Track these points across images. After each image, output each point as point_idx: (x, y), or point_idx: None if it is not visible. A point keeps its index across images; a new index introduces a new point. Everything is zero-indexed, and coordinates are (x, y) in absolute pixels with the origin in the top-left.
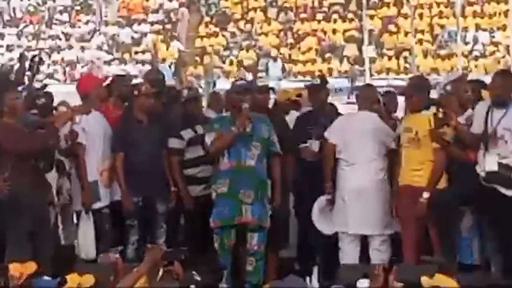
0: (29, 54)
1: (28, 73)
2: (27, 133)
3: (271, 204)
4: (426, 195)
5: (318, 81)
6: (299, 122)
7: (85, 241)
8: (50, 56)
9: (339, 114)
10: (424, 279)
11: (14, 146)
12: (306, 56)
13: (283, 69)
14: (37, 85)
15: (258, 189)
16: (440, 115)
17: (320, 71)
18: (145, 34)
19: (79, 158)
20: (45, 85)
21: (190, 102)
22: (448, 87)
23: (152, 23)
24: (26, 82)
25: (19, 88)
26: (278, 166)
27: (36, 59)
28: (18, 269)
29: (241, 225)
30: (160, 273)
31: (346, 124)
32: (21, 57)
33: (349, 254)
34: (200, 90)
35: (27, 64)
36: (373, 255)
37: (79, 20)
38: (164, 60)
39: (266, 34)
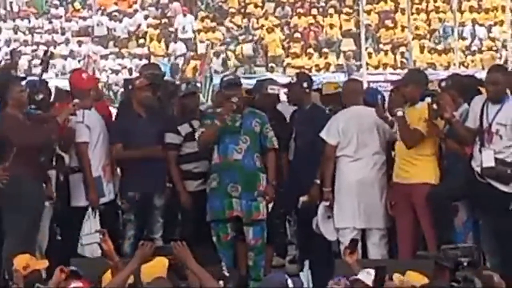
0: (27, 49)
1: (40, 67)
2: (31, 126)
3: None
4: (400, 113)
5: (295, 78)
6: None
7: (92, 240)
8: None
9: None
10: (396, 276)
11: (18, 138)
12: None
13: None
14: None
15: (246, 182)
16: (435, 107)
17: (317, 65)
18: (139, 27)
19: (83, 156)
20: (46, 82)
21: (187, 97)
22: (443, 84)
23: (146, 17)
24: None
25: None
26: (272, 161)
27: (48, 53)
28: (24, 261)
29: (237, 219)
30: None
31: (346, 121)
32: (12, 53)
33: None
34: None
35: (19, 59)
36: (372, 250)
37: (74, 16)
38: (162, 56)
39: (262, 29)
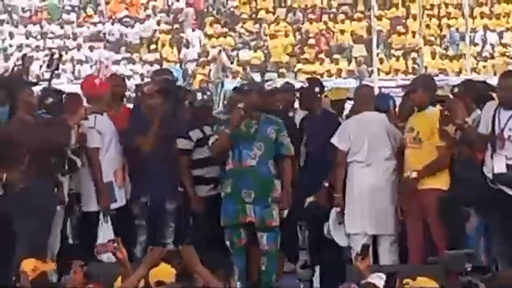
0: (39, 54)
1: (47, 70)
2: (42, 129)
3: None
4: (414, 174)
5: (306, 84)
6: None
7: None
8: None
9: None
10: (407, 282)
11: (29, 141)
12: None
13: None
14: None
15: (259, 189)
16: (446, 113)
17: (329, 71)
18: (154, 33)
19: (93, 161)
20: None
21: (201, 109)
22: (456, 90)
23: (158, 22)
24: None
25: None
26: (287, 168)
27: (56, 56)
28: (31, 264)
29: (250, 224)
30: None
31: (357, 127)
32: (23, 58)
33: None
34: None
35: (31, 64)
36: (383, 256)
37: (86, 21)
38: (174, 62)
39: (274, 35)
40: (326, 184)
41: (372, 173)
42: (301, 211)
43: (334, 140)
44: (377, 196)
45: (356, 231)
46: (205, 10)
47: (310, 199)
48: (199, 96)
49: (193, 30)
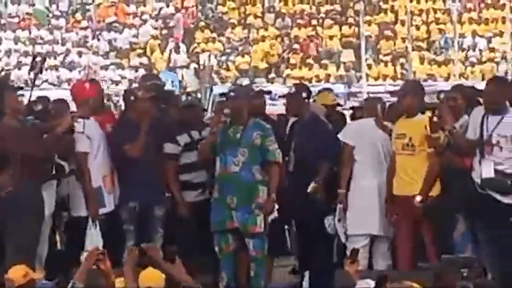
0: (27, 60)
1: (31, 73)
2: (30, 136)
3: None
4: (419, 198)
5: (293, 89)
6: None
7: None
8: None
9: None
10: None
11: (17, 148)
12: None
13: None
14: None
15: (242, 195)
16: (435, 119)
17: (317, 76)
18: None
19: (82, 166)
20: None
21: (186, 109)
22: (442, 96)
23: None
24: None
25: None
26: (273, 174)
27: (39, 59)
28: (22, 270)
29: (237, 230)
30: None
31: (359, 128)
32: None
33: (361, 258)
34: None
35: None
36: (378, 260)
37: (75, 27)
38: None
39: (263, 40)
40: (318, 180)
41: (375, 176)
42: (290, 216)
43: (340, 136)
44: (380, 198)
45: (357, 232)
46: (195, 18)
47: (313, 185)
48: (183, 98)
49: (177, 44)
